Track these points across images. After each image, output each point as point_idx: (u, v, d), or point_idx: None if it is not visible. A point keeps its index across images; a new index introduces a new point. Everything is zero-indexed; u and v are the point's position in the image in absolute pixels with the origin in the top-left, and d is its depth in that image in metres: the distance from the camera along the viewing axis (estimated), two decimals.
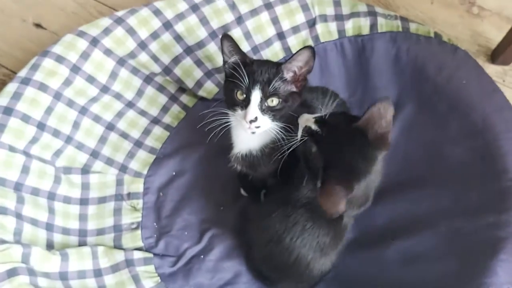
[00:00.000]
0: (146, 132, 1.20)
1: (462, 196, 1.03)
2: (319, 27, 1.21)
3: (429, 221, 1.04)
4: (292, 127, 0.86)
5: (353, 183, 0.75)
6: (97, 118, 1.14)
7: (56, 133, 1.07)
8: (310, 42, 1.21)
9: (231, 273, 1.09)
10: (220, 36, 0.90)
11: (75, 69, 1.08)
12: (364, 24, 1.20)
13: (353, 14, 1.21)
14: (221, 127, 0.92)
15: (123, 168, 1.17)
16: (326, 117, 0.80)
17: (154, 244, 1.11)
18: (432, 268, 0.98)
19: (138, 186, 1.16)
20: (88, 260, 1.03)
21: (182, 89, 1.23)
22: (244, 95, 0.86)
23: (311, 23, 1.22)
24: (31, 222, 1.01)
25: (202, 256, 1.09)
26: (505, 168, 0.99)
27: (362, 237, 1.08)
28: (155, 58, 1.17)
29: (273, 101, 0.86)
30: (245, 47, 1.20)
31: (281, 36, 1.22)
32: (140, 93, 1.19)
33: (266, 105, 0.86)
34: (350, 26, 1.21)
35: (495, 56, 1.35)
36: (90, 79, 1.10)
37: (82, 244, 1.08)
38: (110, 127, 1.16)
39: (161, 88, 1.22)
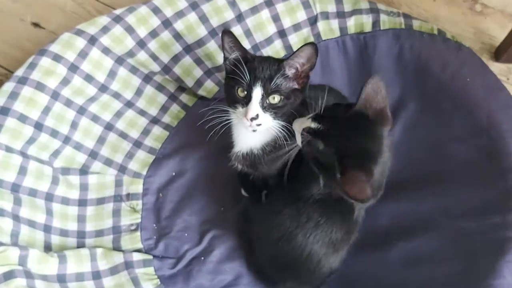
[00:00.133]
0: (145, 132, 1.19)
1: (467, 195, 1.02)
2: (321, 25, 1.20)
3: (434, 221, 1.03)
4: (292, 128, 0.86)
5: (371, 166, 0.75)
6: (95, 118, 1.13)
7: (54, 133, 1.06)
8: (312, 40, 1.20)
9: (232, 275, 1.07)
10: (220, 34, 0.89)
11: (73, 68, 1.07)
12: (366, 21, 1.19)
13: (355, 11, 1.20)
14: (221, 125, 0.91)
15: (122, 169, 1.16)
16: (322, 113, 0.79)
17: (153, 246, 1.10)
18: (437, 269, 0.97)
19: (137, 186, 1.15)
20: (87, 262, 1.02)
21: (182, 88, 1.22)
22: (245, 92, 0.85)
23: (313, 21, 1.21)
24: (29, 224, 1.00)
25: (202, 258, 1.08)
26: (511, 167, 0.98)
27: (365, 238, 1.06)
28: (154, 57, 1.16)
29: (275, 98, 0.85)
30: (246, 45, 1.18)
31: (282, 34, 1.21)
32: (139, 92, 1.18)
33: (268, 102, 0.85)
34: (352, 23, 1.20)
35: (499, 54, 1.34)
36: (88, 78, 1.09)
37: (80, 246, 1.07)
38: (109, 127, 1.16)
39: (160, 87, 1.21)
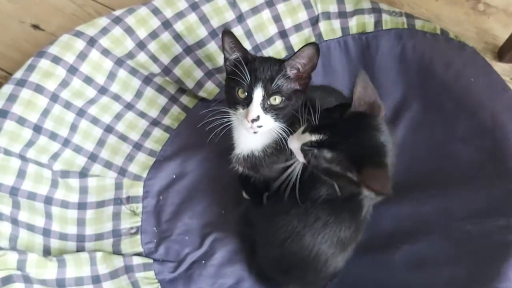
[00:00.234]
0: (146, 134, 1.19)
1: (471, 197, 1.01)
2: (322, 25, 1.20)
3: (437, 224, 1.02)
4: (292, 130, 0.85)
5: (384, 159, 0.77)
6: (95, 120, 1.13)
7: (53, 136, 1.05)
8: (313, 40, 1.19)
9: (233, 278, 1.07)
10: (221, 35, 0.88)
11: (72, 70, 1.06)
12: (368, 21, 1.19)
13: (357, 11, 1.19)
14: (222, 127, 0.90)
15: (122, 172, 1.15)
16: (317, 123, 0.79)
17: (154, 249, 1.09)
18: (441, 272, 0.96)
19: (137, 189, 1.14)
20: (86, 266, 1.01)
21: (182, 89, 1.22)
22: (246, 93, 0.84)
23: (314, 21, 1.20)
24: (27, 228, 0.99)
25: (203, 262, 1.07)
26: None
27: (369, 241, 1.05)
28: (154, 58, 1.15)
29: (276, 100, 0.84)
30: (246, 45, 1.18)
31: (283, 34, 1.20)
32: (139, 94, 1.18)
33: (269, 103, 0.84)
34: (354, 24, 1.20)
35: (502, 53, 1.33)
36: (88, 80, 1.09)
37: (80, 249, 1.06)
38: (109, 129, 1.15)
39: (160, 89, 1.20)
